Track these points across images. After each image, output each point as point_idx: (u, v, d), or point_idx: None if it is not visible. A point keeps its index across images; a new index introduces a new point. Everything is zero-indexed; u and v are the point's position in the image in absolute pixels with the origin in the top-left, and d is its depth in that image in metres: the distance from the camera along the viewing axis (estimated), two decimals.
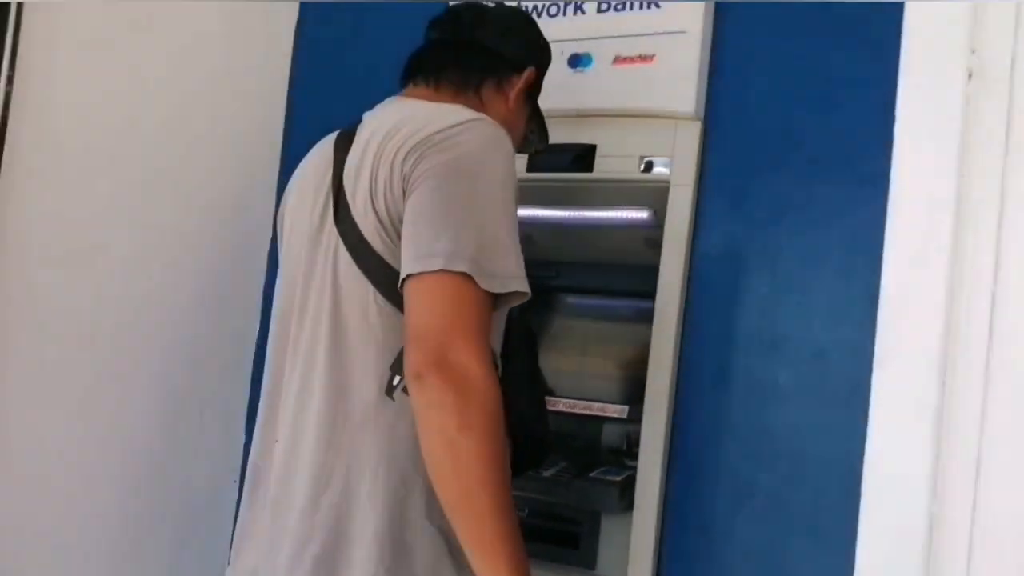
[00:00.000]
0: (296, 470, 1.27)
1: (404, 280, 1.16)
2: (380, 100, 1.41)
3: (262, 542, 1.33)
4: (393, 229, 1.22)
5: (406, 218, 1.19)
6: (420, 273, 1.13)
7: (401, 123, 1.27)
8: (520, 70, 1.43)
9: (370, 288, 1.24)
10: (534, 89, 1.48)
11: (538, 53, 1.49)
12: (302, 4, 2.12)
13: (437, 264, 1.12)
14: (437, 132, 1.21)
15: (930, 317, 0.89)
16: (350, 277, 1.26)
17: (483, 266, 1.13)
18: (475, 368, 1.10)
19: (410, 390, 1.13)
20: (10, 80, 1.57)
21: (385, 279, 1.23)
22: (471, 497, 1.12)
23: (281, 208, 1.47)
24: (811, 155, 1.54)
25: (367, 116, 1.38)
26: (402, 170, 1.21)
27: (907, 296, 0.91)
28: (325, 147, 1.39)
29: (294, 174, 1.45)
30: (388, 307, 1.24)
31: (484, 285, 1.13)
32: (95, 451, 1.78)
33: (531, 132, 1.52)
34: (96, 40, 1.72)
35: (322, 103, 1.96)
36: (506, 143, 1.26)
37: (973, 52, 0.89)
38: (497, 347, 1.29)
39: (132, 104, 1.80)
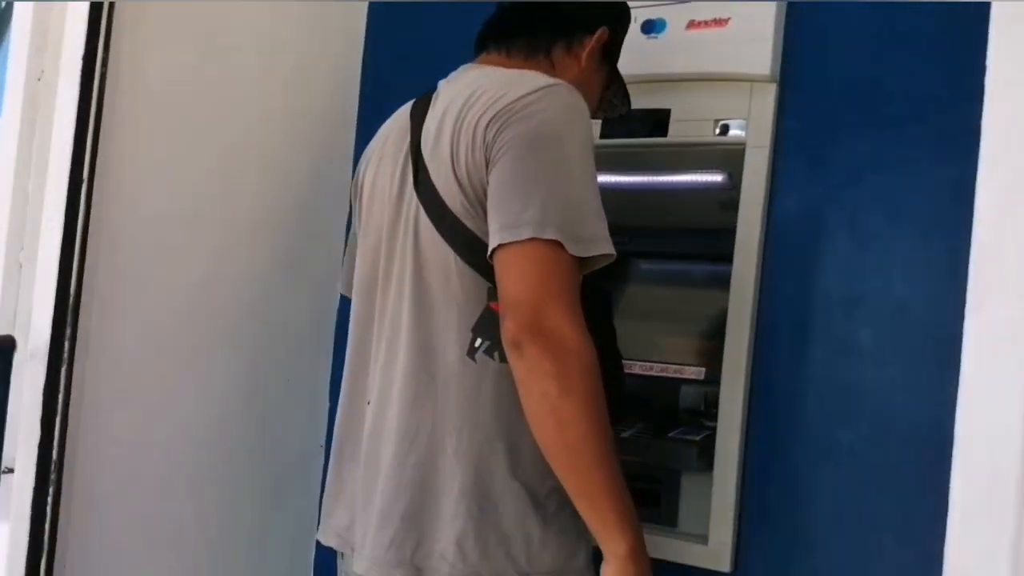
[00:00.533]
0: (384, 430, 1.32)
1: (495, 250, 1.19)
2: (452, 69, 1.45)
3: (354, 500, 1.39)
4: (474, 195, 1.26)
5: (491, 188, 1.22)
6: (511, 243, 1.17)
7: (479, 90, 1.29)
8: (591, 31, 1.43)
9: (450, 252, 1.28)
10: (610, 51, 1.48)
11: (611, 13, 1.48)
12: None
13: (527, 233, 1.16)
14: (516, 100, 1.24)
15: (1020, 266, 0.90)
16: (431, 242, 1.30)
17: (570, 231, 1.17)
18: (570, 332, 1.15)
19: (509, 358, 1.18)
20: (104, 62, 1.63)
21: (464, 243, 1.27)
22: (576, 454, 1.17)
23: (357, 178, 1.50)
24: (889, 115, 1.53)
25: (442, 84, 1.41)
26: (484, 139, 1.24)
27: (998, 244, 0.92)
28: (402, 116, 1.42)
29: (369, 145, 1.49)
30: (468, 271, 1.27)
31: (572, 250, 1.17)
32: (188, 422, 1.85)
33: (613, 96, 1.53)
34: (185, 27, 1.78)
35: (394, 75, 2.00)
36: (583, 108, 1.29)
37: None
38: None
39: (217, 86, 1.85)
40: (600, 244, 1.20)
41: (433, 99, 1.38)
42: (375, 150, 1.45)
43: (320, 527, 1.47)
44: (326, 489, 1.46)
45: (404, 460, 1.29)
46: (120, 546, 1.74)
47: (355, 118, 2.13)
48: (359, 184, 1.48)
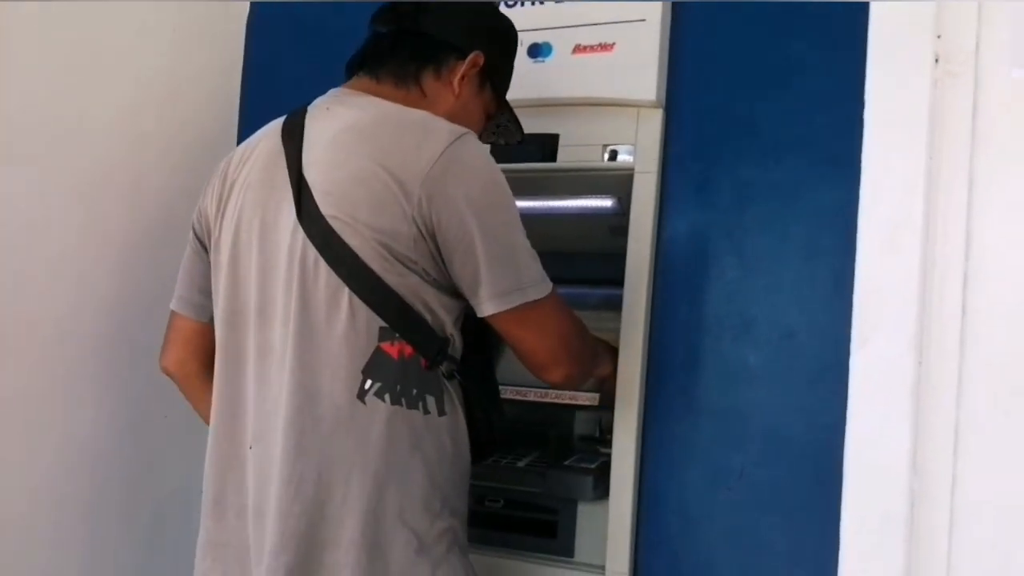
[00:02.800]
0: (270, 477, 1.25)
1: (495, 313, 1.27)
2: (337, 83, 1.40)
3: (230, 551, 1.32)
4: (393, 246, 1.22)
5: (456, 256, 1.25)
6: (508, 310, 1.26)
7: (376, 134, 1.27)
8: (463, 55, 1.39)
9: (344, 288, 1.23)
10: (492, 76, 1.44)
11: (489, 37, 1.44)
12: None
13: (522, 298, 1.27)
14: (436, 160, 1.22)
15: (904, 299, 0.91)
16: (320, 277, 1.24)
17: (536, 279, 1.29)
18: (582, 360, 1.44)
19: (556, 386, 1.51)
20: None
21: (363, 281, 1.22)
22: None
23: (213, 201, 1.39)
24: (773, 140, 1.55)
25: (315, 108, 1.35)
26: (411, 200, 1.21)
27: (882, 279, 0.93)
28: (270, 139, 1.35)
29: (226, 165, 1.40)
30: (363, 308, 1.23)
31: (543, 293, 1.29)
32: (55, 466, 1.73)
33: (503, 124, 1.51)
34: (50, 39, 1.67)
35: (276, 95, 1.93)
36: (484, 149, 1.30)
37: (939, 37, 0.91)
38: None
39: (84, 104, 1.75)
40: (547, 281, 1.31)
41: (308, 122, 1.33)
42: (239, 175, 1.36)
43: None
44: (201, 537, 1.37)
45: (289, 508, 1.23)
46: None
47: (234, 137, 2.05)
48: (218, 209, 1.38)
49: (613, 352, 1.59)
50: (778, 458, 1.50)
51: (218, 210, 1.38)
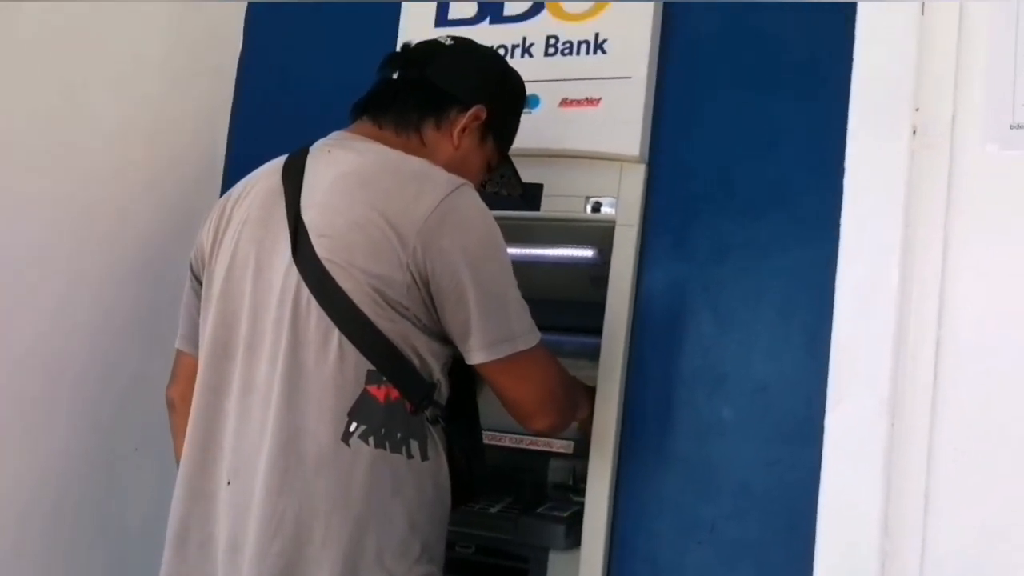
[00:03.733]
0: (248, 514, 1.25)
1: (484, 362, 1.30)
2: (323, 125, 1.42)
3: None
4: (385, 291, 1.24)
5: (448, 304, 1.26)
6: (499, 360, 1.29)
7: (375, 179, 1.29)
8: (465, 108, 1.40)
9: (335, 330, 1.24)
10: (496, 130, 1.46)
11: (494, 91, 1.45)
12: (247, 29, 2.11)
13: (508, 349, 1.29)
14: (433, 210, 1.24)
15: (878, 360, 0.93)
16: (311, 318, 1.25)
17: (526, 328, 1.32)
18: (566, 410, 1.46)
19: (540, 434, 1.53)
20: None
21: (354, 324, 1.23)
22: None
23: (210, 237, 1.40)
24: (752, 198, 1.59)
25: (316, 149, 1.37)
26: (406, 248, 1.23)
27: (857, 340, 0.95)
28: (269, 177, 1.36)
29: (224, 201, 1.41)
30: (352, 351, 1.24)
31: (531, 344, 1.32)
32: (19, 494, 1.71)
33: (506, 176, 1.54)
34: (37, 66, 1.68)
35: (264, 129, 1.95)
36: (480, 202, 1.31)
37: (917, 110, 0.95)
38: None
39: (69, 129, 1.76)
40: (535, 331, 1.34)
41: (308, 163, 1.34)
42: (237, 211, 1.37)
43: None
44: (163, 574, 1.35)
45: (267, 548, 1.22)
46: None
47: (221, 171, 2.06)
48: (214, 243, 1.39)
49: (591, 393, 1.61)
50: (749, 512, 1.51)
51: (214, 244, 1.39)
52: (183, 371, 1.47)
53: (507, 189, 1.58)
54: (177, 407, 1.48)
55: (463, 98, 1.41)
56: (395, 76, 1.43)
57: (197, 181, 2.02)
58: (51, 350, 1.75)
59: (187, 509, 1.33)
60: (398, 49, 1.46)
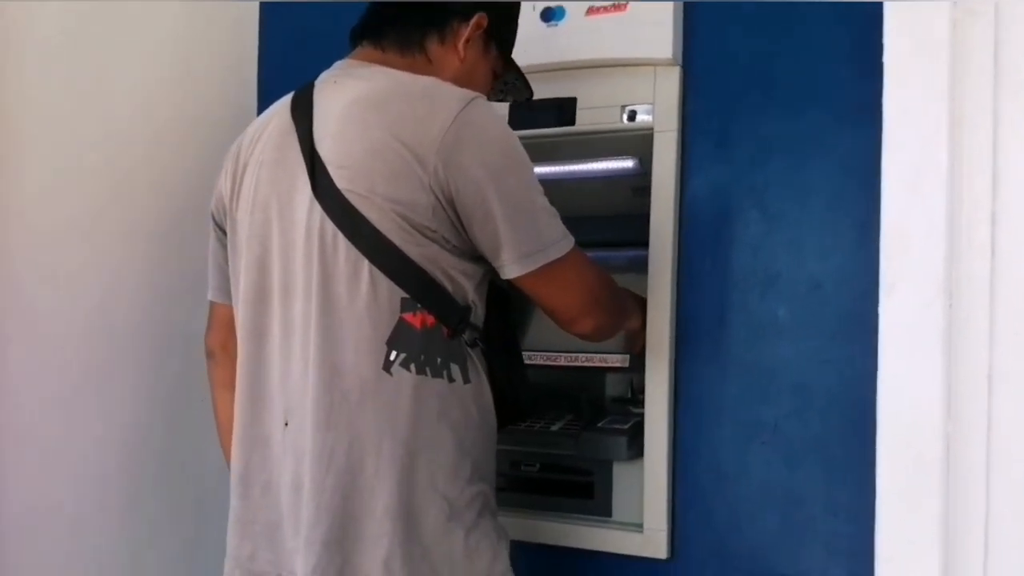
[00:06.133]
0: (304, 452, 1.27)
1: (520, 275, 1.28)
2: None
3: (257, 527, 1.34)
4: (411, 215, 1.22)
5: (477, 221, 1.24)
6: (534, 271, 1.27)
7: (386, 102, 1.26)
8: (467, 18, 1.37)
9: (364, 261, 1.23)
10: (496, 36, 1.43)
11: None
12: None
13: (542, 259, 1.27)
14: (448, 127, 1.22)
15: (932, 243, 0.90)
16: (340, 251, 1.25)
17: (557, 236, 1.29)
18: (611, 309, 1.44)
19: (586, 338, 1.42)
20: None
21: (383, 252, 1.23)
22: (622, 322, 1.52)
23: (228, 184, 1.40)
24: (792, 92, 1.54)
25: (321, 82, 1.35)
26: (427, 169, 1.21)
27: (907, 224, 0.92)
28: (279, 116, 1.35)
29: (238, 145, 1.40)
30: (383, 279, 1.23)
31: (565, 250, 1.30)
32: (95, 452, 1.76)
33: (511, 83, 1.50)
34: (61, 45, 1.68)
35: (293, 72, 1.93)
36: (495, 112, 1.29)
37: None
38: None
39: (102, 95, 1.76)
40: (568, 237, 1.31)
41: (316, 96, 1.33)
42: (251, 154, 1.37)
43: (228, 557, 1.40)
44: (230, 520, 1.38)
45: (322, 483, 1.25)
46: None
47: (255, 115, 2.06)
48: (233, 190, 1.39)
49: (642, 303, 1.59)
50: (810, 410, 1.50)
51: (233, 190, 1.38)
52: (218, 321, 1.49)
53: (515, 95, 1.55)
54: (217, 356, 1.50)
55: (462, 8, 1.38)
56: None
57: (230, 128, 2.01)
58: (109, 318, 1.78)
59: (247, 455, 1.35)
60: None
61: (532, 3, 1.61)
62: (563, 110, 1.66)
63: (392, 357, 1.24)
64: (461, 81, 1.34)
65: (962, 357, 0.88)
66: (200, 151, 1.94)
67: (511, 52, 1.49)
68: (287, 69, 2.00)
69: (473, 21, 1.38)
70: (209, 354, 1.53)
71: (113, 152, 1.78)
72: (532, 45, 1.53)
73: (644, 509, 1.60)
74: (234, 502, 1.38)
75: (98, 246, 1.77)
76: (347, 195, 1.23)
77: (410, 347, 1.25)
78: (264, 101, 2.04)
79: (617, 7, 1.62)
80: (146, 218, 1.86)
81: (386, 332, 1.24)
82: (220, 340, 1.49)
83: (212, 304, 1.51)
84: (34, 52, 1.63)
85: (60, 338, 1.70)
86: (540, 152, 1.71)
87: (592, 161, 1.74)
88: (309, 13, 2.01)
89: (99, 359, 1.78)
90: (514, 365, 1.43)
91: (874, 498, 1.00)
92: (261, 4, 2.09)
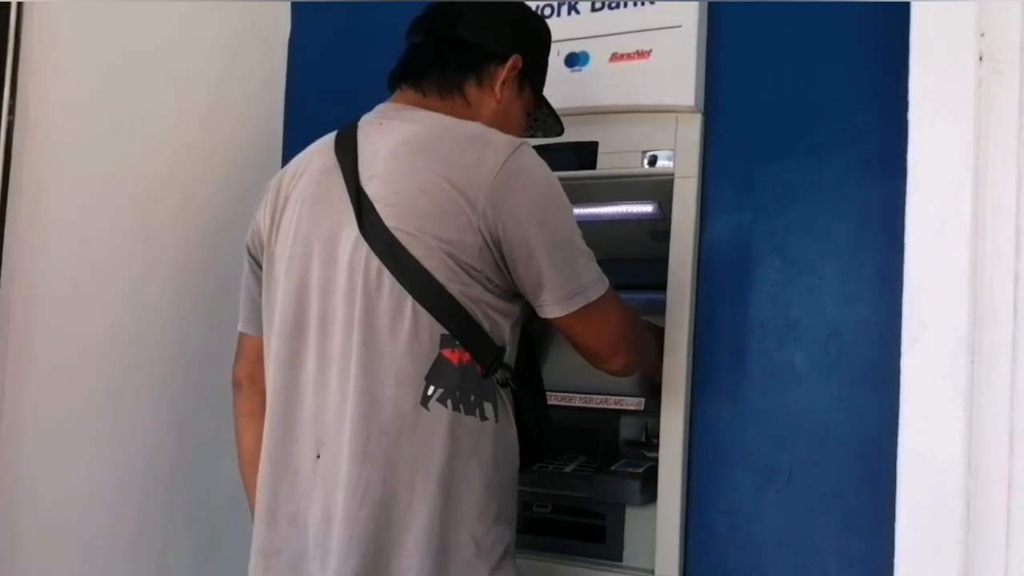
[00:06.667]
0: (337, 483, 1.27)
1: (561, 316, 1.31)
2: (379, 96, 1.42)
3: (282, 559, 1.33)
4: (458, 256, 1.25)
5: (520, 263, 1.27)
6: (571, 313, 1.30)
7: (432, 146, 1.29)
8: (503, 60, 1.40)
9: (408, 297, 1.25)
10: (531, 76, 1.46)
11: (525, 38, 1.45)
12: (294, 7, 2.13)
13: (581, 302, 1.31)
14: (497, 171, 1.25)
15: (955, 297, 0.91)
16: (384, 287, 1.26)
17: (593, 280, 1.32)
18: (637, 351, 1.46)
19: (616, 374, 1.45)
20: (11, 109, 1.56)
21: (426, 289, 1.24)
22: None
23: (267, 218, 1.42)
24: (814, 140, 1.55)
25: (365, 123, 1.37)
26: (476, 210, 1.24)
27: (930, 277, 0.92)
28: (323, 154, 1.37)
29: (277, 181, 1.42)
30: (425, 316, 1.25)
31: (601, 292, 1.33)
32: (113, 475, 1.77)
33: (542, 120, 1.53)
34: (94, 57, 1.72)
35: (319, 105, 1.97)
36: (540, 159, 1.32)
37: (983, 35, 0.91)
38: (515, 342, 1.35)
39: (130, 121, 1.79)
40: (604, 279, 1.35)
41: (360, 137, 1.35)
42: (292, 189, 1.39)
43: None
44: (253, 551, 1.38)
45: (356, 514, 1.25)
46: None
47: (280, 148, 2.09)
48: (272, 224, 1.41)
49: (659, 334, 1.62)
50: (827, 459, 1.49)
51: (272, 224, 1.40)
52: (247, 352, 1.49)
53: (546, 131, 1.58)
54: (244, 386, 1.51)
55: (499, 50, 1.40)
56: (425, 40, 1.42)
57: (257, 160, 2.05)
58: (128, 337, 1.80)
59: (275, 486, 1.35)
60: (421, 13, 1.45)
61: (557, 48, 1.63)
62: (585, 154, 1.68)
63: (430, 392, 1.25)
64: (498, 121, 1.38)
65: (984, 413, 0.88)
66: (225, 179, 1.98)
67: (542, 89, 1.51)
68: (314, 101, 2.05)
69: (509, 63, 1.40)
70: (236, 384, 1.54)
71: (140, 177, 1.81)
72: (555, 89, 1.55)
73: (656, 555, 1.59)
74: (261, 532, 1.37)
75: (122, 269, 1.79)
76: (394, 232, 1.25)
77: (447, 383, 1.26)
78: (291, 131, 2.08)
79: (641, 55, 1.64)
80: (170, 243, 1.88)
81: (425, 368, 1.25)
82: (247, 371, 1.50)
83: (242, 335, 1.52)
84: (67, 78, 1.66)
85: (83, 359, 1.72)
86: None
87: (612, 204, 1.75)
88: (338, 41, 2.04)
89: (120, 382, 1.79)
90: (540, 407, 1.45)
91: (888, 550, 0.99)
92: (292, 29, 2.12)
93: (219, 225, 1.94)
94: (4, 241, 1.54)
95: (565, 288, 1.29)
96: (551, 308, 1.30)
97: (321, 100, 2.03)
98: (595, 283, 1.32)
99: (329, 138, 1.39)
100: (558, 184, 1.32)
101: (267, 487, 1.36)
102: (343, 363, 1.28)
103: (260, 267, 1.44)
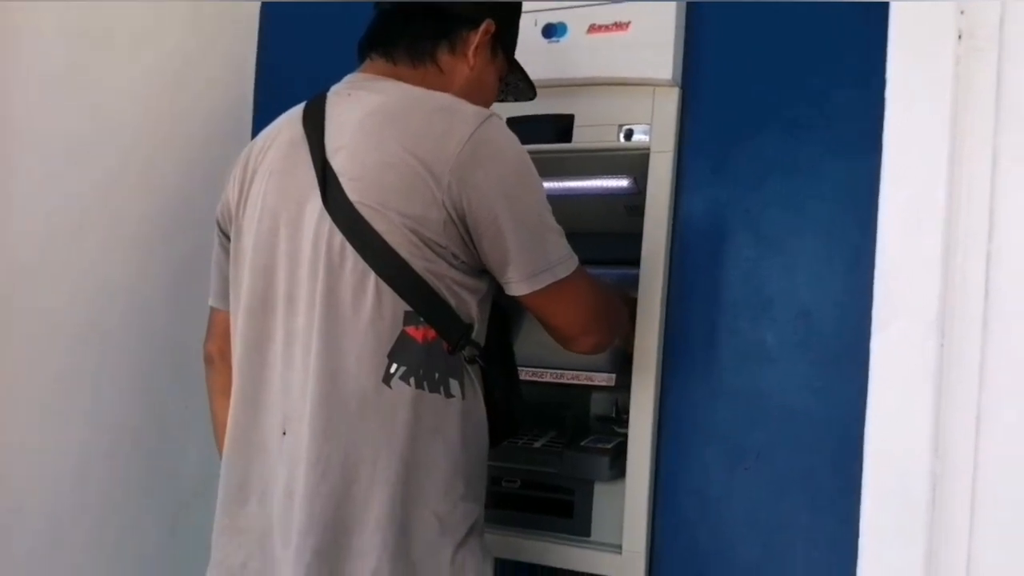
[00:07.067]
0: (299, 460, 1.26)
1: (527, 293, 1.28)
2: (351, 67, 1.39)
3: (252, 536, 1.32)
4: (420, 231, 1.22)
5: (486, 238, 1.24)
6: (538, 290, 1.28)
7: (401, 117, 1.26)
8: (476, 25, 1.37)
9: (371, 273, 1.23)
10: (502, 40, 1.43)
11: (496, 2, 1.42)
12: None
13: (548, 279, 1.28)
14: (464, 143, 1.22)
15: (926, 278, 0.89)
16: (346, 262, 1.24)
17: (561, 257, 1.29)
18: (606, 329, 1.42)
19: (585, 354, 1.43)
20: None
21: (390, 266, 1.22)
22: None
23: (236, 191, 1.39)
24: (791, 118, 1.54)
25: (333, 94, 1.34)
26: (440, 184, 1.21)
27: (903, 259, 0.91)
28: (290, 126, 1.34)
29: (246, 155, 1.40)
30: (388, 292, 1.23)
31: (570, 270, 1.30)
32: (78, 450, 1.75)
33: (514, 84, 1.50)
34: (59, 44, 1.67)
35: (291, 77, 1.92)
36: (509, 131, 1.28)
37: (962, 13, 0.89)
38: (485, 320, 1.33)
39: (96, 87, 1.75)
40: (573, 257, 1.31)
41: (328, 108, 1.32)
42: (260, 162, 1.36)
43: (211, 564, 1.38)
44: (220, 528, 1.36)
45: (316, 490, 1.23)
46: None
47: (250, 122, 2.05)
48: (240, 197, 1.38)
49: (632, 305, 1.60)
50: (796, 439, 1.49)
51: (240, 197, 1.38)
52: (218, 327, 1.47)
53: (516, 96, 1.55)
54: (215, 363, 1.49)
55: (471, 15, 1.37)
56: (392, 7, 1.38)
57: (225, 133, 2.00)
58: (93, 311, 1.77)
59: (245, 464, 1.33)
60: None
61: (534, 18, 1.60)
62: (560, 126, 1.66)
63: (392, 370, 1.23)
64: (472, 87, 1.35)
65: (952, 397, 0.87)
66: (194, 156, 1.94)
67: (514, 54, 1.49)
68: (285, 76, 2.01)
69: (482, 28, 1.37)
70: (208, 360, 1.52)
71: (106, 154, 1.77)
72: (532, 60, 1.53)
73: (624, 530, 1.59)
74: (230, 509, 1.35)
75: (89, 248, 1.75)
76: (358, 207, 1.23)
77: (411, 360, 1.24)
78: (261, 107, 2.03)
79: (619, 26, 1.62)
80: (137, 221, 1.84)
81: (388, 345, 1.23)
82: (219, 347, 1.47)
83: (213, 310, 1.50)
84: (31, 50, 1.62)
85: (49, 339, 1.69)
86: (536, 167, 1.71)
87: (587, 178, 1.73)
88: (310, 18, 2.00)
89: (88, 361, 1.76)
90: (511, 384, 1.43)
91: (856, 531, 0.99)
92: (262, 7, 2.08)
93: (185, 198, 1.90)
94: None
95: (532, 265, 1.26)
96: (517, 285, 1.27)
97: (292, 71, 1.98)
98: (564, 260, 1.29)
99: (298, 109, 1.36)
100: (527, 157, 1.29)
101: (236, 464, 1.34)
102: (306, 339, 1.26)
103: (229, 240, 1.41)
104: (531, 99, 1.56)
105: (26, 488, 1.66)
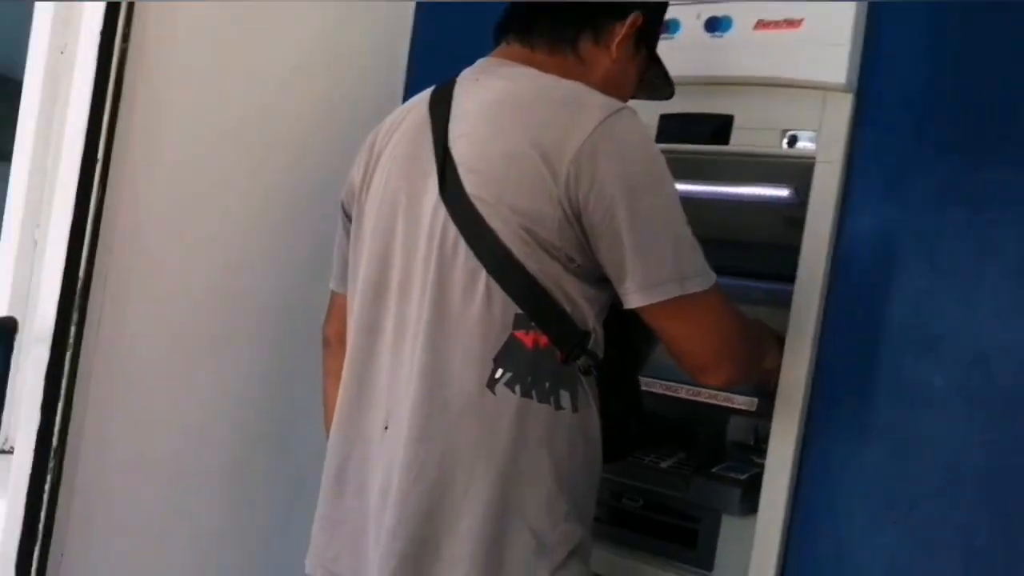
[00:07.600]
0: (395, 460, 1.22)
1: (644, 306, 1.18)
2: None
3: (346, 528, 1.29)
4: (535, 230, 1.16)
5: (603, 239, 1.16)
6: (660, 302, 1.17)
7: (527, 107, 1.19)
8: (623, 17, 1.30)
9: (482, 271, 1.16)
10: (648, 36, 1.36)
11: None
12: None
13: (675, 291, 1.16)
14: (588, 136, 1.14)
15: None
16: (458, 257, 1.18)
17: (693, 271, 1.18)
18: (741, 361, 1.32)
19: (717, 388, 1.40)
20: (126, 37, 1.53)
21: (503, 265, 1.16)
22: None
23: (360, 174, 1.37)
24: (981, 135, 1.37)
25: (463, 79, 1.29)
26: (559, 178, 1.14)
27: None
28: (417, 112, 1.30)
29: (373, 137, 1.37)
30: (499, 293, 1.16)
31: (700, 287, 1.19)
32: (204, 417, 1.78)
33: (655, 77, 1.41)
34: (209, 26, 1.69)
35: (441, 64, 1.88)
36: (641, 125, 1.19)
37: None
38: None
39: (247, 68, 1.77)
40: (709, 273, 1.20)
41: (456, 93, 1.26)
42: (385, 146, 1.33)
43: (309, 554, 1.37)
44: (318, 516, 1.35)
45: (408, 492, 1.19)
46: (124, 536, 1.67)
47: (400, 103, 2.02)
48: (363, 180, 1.35)
49: (780, 343, 1.46)
50: (957, 494, 1.33)
51: (363, 181, 1.35)
52: (337, 311, 1.45)
53: (655, 93, 1.46)
54: (332, 345, 1.47)
55: (619, 8, 1.30)
56: None
57: (376, 113, 1.99)
58: (230, 277, 1.79)
59: (345, 453, 1.31)
60: None
61: (697, 10, 1.49)
62: (718, 127, 1.55)
63: (498, 375, 1.18)
64: (611, 80, 1.28)
65: None
66: (339, 136, 1.93)
67: (655, 49, 1.41)
68: (436, 60, 1.96)
69: (629, 20, 1.30)
70: (325, 342, 1.51)
71: (253, 128, 1.79)
72: (692, 55, 1.44)
73: (751, 569, 1.47)
74: (327, 497, 1.34)
75: (229, 216, 1.78)
76: (474, 201, 1.18)
77: (517, 367, 1.18)
78: (411, 92, 2.00)
79: (790, 23, 1.49)
80: (278, 195, 1.86)
81: (495, 348, 1.18)
82: (337, 330, 1.45)
83: (333, 293, 1.49)
84: (184, 30, 1.64)
85: (181, 300, 1.72)
86: (687, 169, 1.59)
87: (744, 185, 1.61)
88: (463, 17, 1.95)
89: (218, 326, 1.79)
90: (630, 400, 1.34)
91: None
92: (417, 5, 2.07)
93: (328, 184, 1.90)
94: (110, 170, 1.53)
95: (652, 274, 1.15)
96: (633, 296, 1.17)
97: (442, 70, 1.95)
98: (693, 276, 1.17)
99: (426, 93, 1.32)
100: (659, 157, 1.18)
101: (338, 453, 1.32)
102: (414, 334, 1.22)
103: (351, 223, 1.39)
104: (667, 98, 1.47)
105: (151, 443, 1.70)
